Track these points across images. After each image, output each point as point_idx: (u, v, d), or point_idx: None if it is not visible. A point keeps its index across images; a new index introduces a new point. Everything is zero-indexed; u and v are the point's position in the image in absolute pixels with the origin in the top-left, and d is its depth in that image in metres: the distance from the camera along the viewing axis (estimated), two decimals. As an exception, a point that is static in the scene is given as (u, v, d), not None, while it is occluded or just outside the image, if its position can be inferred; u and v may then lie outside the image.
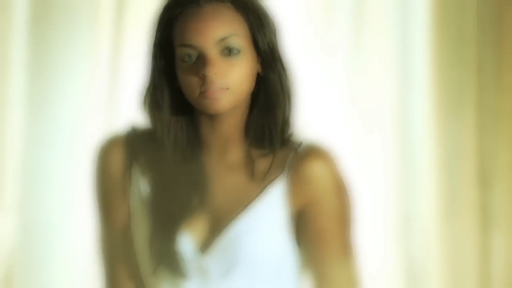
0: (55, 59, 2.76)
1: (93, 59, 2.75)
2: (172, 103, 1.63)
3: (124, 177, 1.65)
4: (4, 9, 2.74)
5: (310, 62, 2.67)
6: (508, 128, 2.72)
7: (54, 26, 2.75)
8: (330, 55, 2.74)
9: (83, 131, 2.76)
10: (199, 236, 1.60)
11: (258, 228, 1.59)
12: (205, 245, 1.60)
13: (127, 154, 1.66)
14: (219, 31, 1.56)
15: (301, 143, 1.64)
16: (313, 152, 1.62)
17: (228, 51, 1.56)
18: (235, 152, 1.64)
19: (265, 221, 1.61)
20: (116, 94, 2.74)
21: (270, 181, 1.62)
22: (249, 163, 1.63)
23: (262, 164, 1.63)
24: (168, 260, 1.58)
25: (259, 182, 1.62)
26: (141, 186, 1.64)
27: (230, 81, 1.56)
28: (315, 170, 1.61)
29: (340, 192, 1.63)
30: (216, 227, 1.60)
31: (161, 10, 1.63)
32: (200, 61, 1.56)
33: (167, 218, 1.60)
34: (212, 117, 1.61)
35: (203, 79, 1.55)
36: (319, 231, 1.63)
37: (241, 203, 1.61)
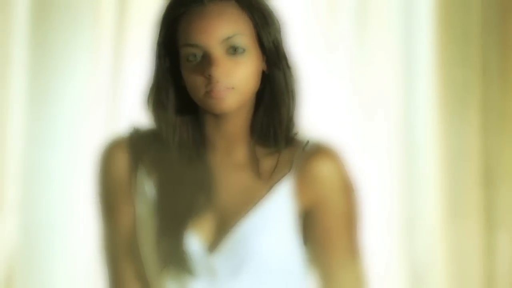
0: (56, 59, 2.75)
1: (94, 59, 2.74)
2: (176, 103, 1.62)
3: (129, 179, 1.64)
4: (5, 9, 2.73)
5: (314, 60, 2.66)
6: (513, 128, 2.71)
7: (55, 26, 2.75)
8: (334, 54, 2.73)
9: (84, 132, 2.75)
10: (207, 235, 1.60)
11: (265, 228, 1.59)
12: (213, 245, 1.60)
13: (131, 155, 1.65)
14: (224, 30, 1.55)
15: (307, 142, 1.63)
16: (320, 151, 1.62)
17: (233, 50, 1.56)
18: (241, 151, 1.64)
19: (273, 220, 1.60)
20: (117, 94, 2.74)
21: (277, 180, 1.62)
22: (255, 162, 1.63)
23: (268, 162, 1.63)
24: (176, 260, 1.58)
25: (266, 181, 1.62)
26: (147, 187, 1.63)
27: (235, 80, 1.55)
28: (323, 169, 1.61)
29: (348, 192, 1.63)
30: (223, 226, 1.60)
31: (165, 9, 1.62)
32: (205, 61, 1.55)
33: (174, 218, 1.59)
34: (217, 117, 1.60)
35: (209, 79, 1.54)
36: (326, 231, 1.63)
37: (248, 202, 1.61)
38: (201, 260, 1.58)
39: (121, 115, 2.71)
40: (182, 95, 1.62)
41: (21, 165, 2.76)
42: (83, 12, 2.75)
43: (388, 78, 2.74)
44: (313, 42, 2.70)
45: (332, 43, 2.73)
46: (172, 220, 1.59)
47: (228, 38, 1.55)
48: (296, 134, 1.64)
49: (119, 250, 1.65)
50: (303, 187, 1.61)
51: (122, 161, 1.65)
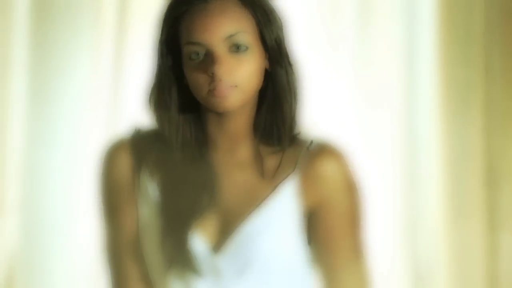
0: (56, 58, 2.75)
1: (95, 58, 2.74)
2: (179, 102, 1.61)
3: (131, 180, 1.64)
4: (5, 9, 2.72)
5: (317, 59, 2.65)
6: (516, 128, 2.71)
7: (55, 26, 2.74)
8: (336, 53, 2.73)
9: (85, 132, 2.75)
10: (211, 235, 1.59)
11: (269, 227, 1.58)
12: (217, 245, 1.59)
13: (134, 157, 1.64)
14: (227, 28, 1.54)
15: (312, 141, 1.63)
16: (325, 151, 1.62)
17: (236, 48, 1.55)
18: (244, 149, 1.63)
19: (277, 220, 1.60)
20: (118, 94, 2.73)
21: (281, 179, 1.61)
22: (259, 160, 1.62)
23: (271, 161, 1.62)
24: (180, 260, 1.57)
25: (270, 179, 1.61)
26: (150, 188, 1.62)
27: (238, 78, 1.55)
28: (328, 169, 1.61)
29: (352, 192, 1.63)
30: (228, 226, 1.59)
31: (167, 7, 1.61)
32: (208, 59, 1.54)
33: (178, 218, 1.58)
34: (220, 115, 1.60)
35: (212, 77, 1.53)
36: (330, 231, 1.62)
37: (252, 202, 1.60)
38: (205, 260, 1.58)
39: (122, 115, 2.71)
40: (184, 94, 1.61)
41: (21, 165, 2.75)
42: (84, 12, 2.74)
43: (391, 78, 2.74)
44: (315, 41, 2.70)
45: (334, 42, 2.72)
46: (176, 220, 1.58)
47: (231, 36, 1.54)
48: (299, 133, 1.64)
49: (123, 251, 1.64)
50: (308, 187, 1.61)
51: (125, 162, 1.64)
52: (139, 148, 1.64)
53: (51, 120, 2.75)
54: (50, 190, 2.75)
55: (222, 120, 1.60)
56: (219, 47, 1.53)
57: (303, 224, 1.62)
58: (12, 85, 2.74)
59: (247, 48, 1.55)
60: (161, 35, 1.61)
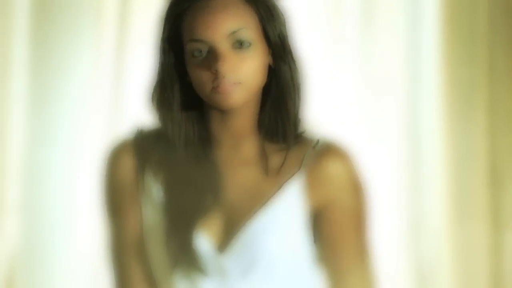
0: (57, 58, 2.74)
1: (96, 58, 2.73)
2: (181, 100, 1.60)
3: (135, 181, 1.63)
4: (6, 8, 2.71)
5: (320, 56, 2.64)
6: (520, 128, 2.70)
7: (56, 25, 2.73)
8: (339, 52, 2.71)
9: (86, 132, 2.74)
10: (216, 235, 1.58)
11: (275, 227, 1.57)
12: (222, 244, 1.58)
13: (137, 158, 1.63)
14: (230, 24, 1.53)
15: (318, 140, 1.62)
16: (331, 150, 1.61)
17: (239, 44, 1.54)
18: (248, 147, 1.62)
19: (283, 219, 1.58)
20: (120, 93, 2.72)
21: (287, 178, 1.60)
22: (263, 158, 1.61)
23: (276, 159, 1.61)
24: (185, 260, 1.56)
25: (274, 177, 1.60)
26: (154, 188, 1.61)
27: (242, 75, 1.53)
28: (334, 169, 1.60)
29: (358, 192, 1.62)
30: (233, 225, 1.58)
31: (169, 5, 1.60)
32: (211, 56, 1.53)
33: (182, 218, 1.57)
34: (224, 112, 1.59)
35: (215, 74, 1.52)
36: (336, 231, 1.62)
37: (257, 201, 1.59)
38: (210, 260, 1.57)
39: (123, 114, 2.70)
40: (187, 92, 1.60)
41: (22, 165, 2.74)
42: (85, 11, 2.74)
43: (394, 78, 2.73)
44: (318, 38, 2.69)
45: (337, 41, 2.71)
46: (181, 220, 1.57)
47: (234, 33, 1.53)
48: (304, 131, 1.63)
49: (126, 252, 1.63)
50: (314, 186, 1.60)
51: (128, 163, 1.63)
52: (142, 149, 1.63)
53: (51, 120, 2.74)
54: (51, 190, 2.74)
55: (226, 118, 1.59)
56: (222, 44, 1.52)
57: (308, 224, 1.61)
58: (13, 84, 2.74)
59: (250, 44, 1.54)
60: (163, 32, 1.60)
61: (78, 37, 2.74)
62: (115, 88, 2.73)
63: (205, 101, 1.57)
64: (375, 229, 1.69)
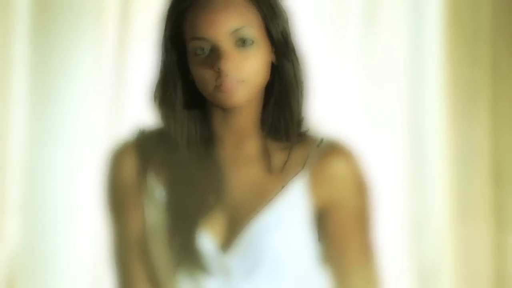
0: (59, 57, 2.73)
1: (97, 57, 2.72)
2: (183, 98, 1.59)
3: (137, 182, 1.62)
4: (6, 8, 2.70)
5: (323, 54, 2.63)
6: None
7: (57, 25, 2.73)
8: (343, 50, 2.71)
9: (87, 132, 2.73)
10: (219, 234, 1.57)
11: (279, 225, 1.56)
12: (226, 243, 1.57)
13: (139, 159, 1.62)
14: (232, 22, 1.52)
15: (322, 139, 1.61)
16: (336, 150, 1.61)
17: (242, 42, 1.53)
18: (251, 145, 1.61)
19: (287, 218, 1.58)
20: (121, 93, 2.71)
21: (291, 176, 1.59)
22: (266, 156, 1.61)
23: (279, 157, 1.60)
24: (189, 260, 1.55)
25: (278, 176, 1.59)
26: (156, 188, 1.60)
27: (245, 73, 1.52)
28: (339, 168, 1.60)
29: (363, 192, 1.62)
30: (236, 224, 1.57)
31: (171, 2, 1.59)
32: (214, 54, 1.52)
33: (185, 217, 1.56)
34: (226, 111, 1.58)
35: (218, 73, 1.51)
36: (341, 230, 1.61)
37: (261, 199, 1.58)
38: (214, 259, 1.56)
39: (125, 114, 2.69)
40: (189, 90, 1.59)
41: (23, 165, 2.73)
42: (86, 11, 2.73)
43: (397, 77, 2.72)
44: (321, 36, 2.68)
45: (341, 39, 2.71)
46: (184, 220, 1.56)
47: (237, 31, 1.52)
48: (308, 130, 1.62)
49: (129, 252, 1.63)
50: (318, 185, 1.59)
51: (130, 164, 1.62)
52: (144, 150, 1.62)
53: (53, 120, 2.73)
54: (52, 190, 2.73)
55: (229, 116, 1.58)
56: (225, 42, 1.51)
57: (313, 223, 1.60)
58: (14, 84, 2.73)
59: (253, 42, 1.53)
60: (165, 31, 1.59)
61: (79, 37, 2.73)
62: (116, 88, 2.72)
63: (208, 99, 1.56)
64: (378, 228, 1.68)
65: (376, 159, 2.61)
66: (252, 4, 1.55)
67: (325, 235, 1.62)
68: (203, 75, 1.52)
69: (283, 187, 1.58)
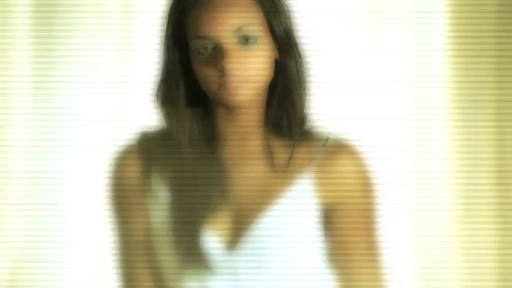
0: (60, 58, 2.72)
1: (100, 57, 2.70)
2: (186, 97, 1.58)
3: (141, 185, 1.61)
4: (7, 8, 2.70)
5: (325, 52, 2.62)
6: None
7: (59, 25, 2.71)
8: (346, 48, 2.70)
9: (89, 133, 2.72)
10: (225, 233, 1.57)
11: (285, 223, 1.56)
12: (232, 242, 1.56)
13: (142, 161, 1.62)
14: (235, 20, 1.51)
15: (327, 138, 1.61)
16: (342, 149, 1.61)
17: (245, 40, 1.51)
18: (255, 143, 1.60)
19: (292, 216, 1.57)
20: (124, 92, 2.70)
21: (296, 174, 1.59)
22: (270, 154, 1.60)
23: (284, 155, 1.60)
24: (195, 259, 1.55)
25: (282, 174, 1.58)
26: (161, 189, 1.60)
27: (249, 71, 1.51)
28: (346, 167, 1.60)
29: (369, 191, 1.62)
30: (242, 223, 1.56)
31: (173, 1, 1.58)
32: (217, 53, 1.50)
33: (190, 217, 1.56)
34: (230, 109, 1.57)
35: (221, 71, 1.50)
36: (347, 230, 1.61)
37: (266, 197, 1.57)
38: (220, 258, 1.55)
39: (127, 113, 2.68)
40: (191, 89, 1.58)
41: (25, 166, 2.72)
42: (87, 10, 2.72)
43: (400, 80, 2.72)
44: (324, 33, 2.66)
45: (345, 37, 2.70)
46: (189, 219, 1.55)
47: (239, 28, 1.50)
48: (312, 128, 1.62)
49: (133, 254, 1.62)
50: (325, 184, 1.59)
51: (133, 166, 1.62)
52: (147, 150, 1.62)
53: (55, 121, 2.72)
54: (53, 192, 2.72)
55: (232, 114, 1.57)
56: (228, 40, 1.50)
57: (319, 221, 1.60)
58: (15, 84, 2.72)
59: (256, 40, 1.51)
60: (168, 29, 1.58)
61: (80, 37, 2.72)
62: (119, 88, 2.71)
63: (211, 98, 1.55)
64: (383, 227, 1.69)
65: (380, 158, 2.62)
66: (254, 1, 1.54)
67: (331, 234, 1.61)
68: (207, 74, 1.51)
69: (288, 184, 1.57)
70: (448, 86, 2.70)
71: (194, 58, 1.53)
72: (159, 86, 1.59)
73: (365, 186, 1.61)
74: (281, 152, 1.60)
